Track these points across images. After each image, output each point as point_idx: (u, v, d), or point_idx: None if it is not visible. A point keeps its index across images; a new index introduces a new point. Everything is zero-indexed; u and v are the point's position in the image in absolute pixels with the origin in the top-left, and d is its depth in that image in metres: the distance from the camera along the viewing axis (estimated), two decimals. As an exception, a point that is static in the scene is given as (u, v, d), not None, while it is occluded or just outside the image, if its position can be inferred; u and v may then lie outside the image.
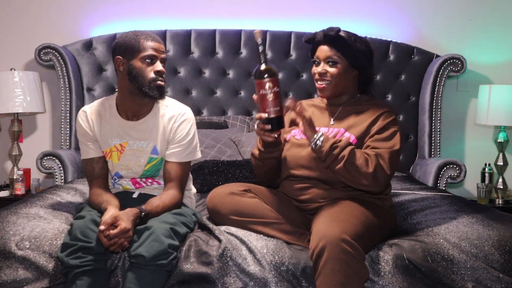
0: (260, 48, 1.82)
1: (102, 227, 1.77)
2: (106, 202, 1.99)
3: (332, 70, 2.02)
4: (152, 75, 2.01)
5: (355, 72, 2.06)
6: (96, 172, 2.12)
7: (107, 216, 1.84)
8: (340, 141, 1.91)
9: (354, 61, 2.03)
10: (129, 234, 1.80)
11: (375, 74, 3.47)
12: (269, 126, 1.84)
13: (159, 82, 2.02)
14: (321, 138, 1.91)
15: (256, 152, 2.08)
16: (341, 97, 2.10)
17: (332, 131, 2.03)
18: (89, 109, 2.14)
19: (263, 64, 1.81)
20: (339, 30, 2.02)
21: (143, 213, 1.90)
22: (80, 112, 2.14)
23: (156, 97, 2.04)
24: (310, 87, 3.46)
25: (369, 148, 1.96)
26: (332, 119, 2.09)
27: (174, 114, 2.10)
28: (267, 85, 1.79)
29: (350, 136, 1.99)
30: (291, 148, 2.08)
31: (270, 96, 1.79)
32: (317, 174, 2.00)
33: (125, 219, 1.81)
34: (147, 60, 2.01)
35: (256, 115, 2.01)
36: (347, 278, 1.66)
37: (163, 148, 2.10)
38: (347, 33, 2.04)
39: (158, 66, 2.02)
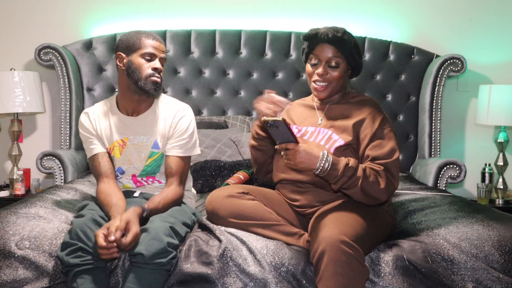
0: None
1: (118, 234, 1.75)
2: (115, 207, 1.95)
3: (334, 73, 1.98)
4: (149, 71, 2.07)
5: (349, 71, 2.05)
6: (102, 167, 2.12)
7: (121, 223, 1.80)
8: (348, 160, 1.84)
9: (352, 62, 2.02)
10: (138, 237, 1.80)
11: (375, 74, 3.48)
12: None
13: (154, 78, 2.08)
14: (329, 159, 1.80)
15: (253, 142, 2.13)
16: (333, 96, 2.07)
17: (321, 131, 2.01)
18: (91, 110, 2.20)
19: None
20: (344, 31, 1.97)
21: (145, 213, 1.92)
22: (82, 114, 2.20)
23: (151, 92, 2.08)
24: (310, 87, 3.46)
25: (373, 162, 1.89)
26: (320, 119, 2.07)
27: (173, 110, 2.16)
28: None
29: (338, 140, 1.95)
30: (280, 153, 1.94)
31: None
32: (308, 178, 1.98)
33: (136, 222, 1.82)
34: (146, 57, 2.07)
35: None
36: (349, 280, 1.66)
37: (164, 143, 2.14)
38: (347, 33, 2.00)
39: (156, 63, 2.09)
